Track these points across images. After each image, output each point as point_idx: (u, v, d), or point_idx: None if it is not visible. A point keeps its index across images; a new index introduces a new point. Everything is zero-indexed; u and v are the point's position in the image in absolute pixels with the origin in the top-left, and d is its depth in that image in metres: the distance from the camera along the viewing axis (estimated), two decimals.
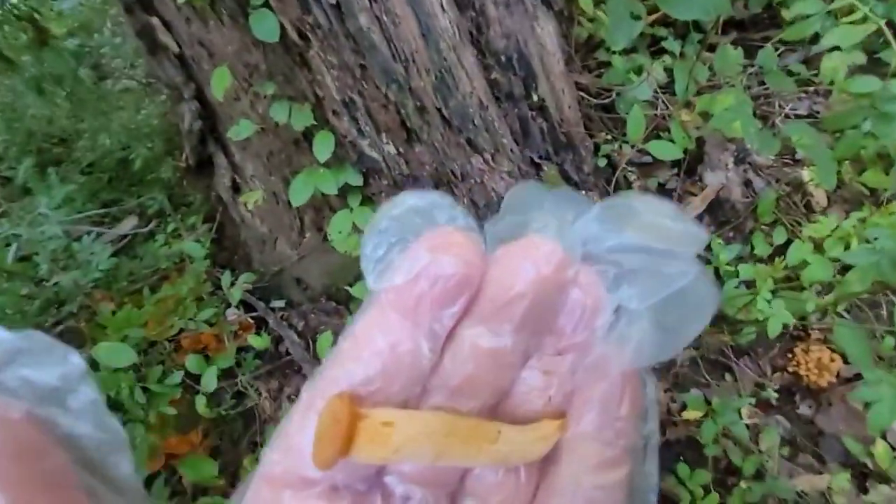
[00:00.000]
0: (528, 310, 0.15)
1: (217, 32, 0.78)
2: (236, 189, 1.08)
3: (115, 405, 0.95)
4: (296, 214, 1.10)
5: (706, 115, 0.94)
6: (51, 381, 0.20)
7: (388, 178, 0.80)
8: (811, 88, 1.09)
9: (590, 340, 0.16)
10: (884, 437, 0.82)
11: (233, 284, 1.11)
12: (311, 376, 0.16)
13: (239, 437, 1.10)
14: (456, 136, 0.75)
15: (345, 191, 0.90)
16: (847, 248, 0.75)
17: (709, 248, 0.99)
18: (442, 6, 0.66)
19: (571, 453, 0.16)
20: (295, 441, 0.15)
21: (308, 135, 0.85)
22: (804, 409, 0.88)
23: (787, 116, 1.17)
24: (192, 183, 1.11)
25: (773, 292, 0.69)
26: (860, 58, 0.72)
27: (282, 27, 0.65)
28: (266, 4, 0.63)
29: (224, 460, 1.03)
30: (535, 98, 0.84)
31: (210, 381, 0.95)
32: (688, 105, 0.99)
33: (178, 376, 0.96)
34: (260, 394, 1.18)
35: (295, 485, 0.15)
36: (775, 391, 0.87)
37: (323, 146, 0.75)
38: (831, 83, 0.68)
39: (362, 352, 0.15)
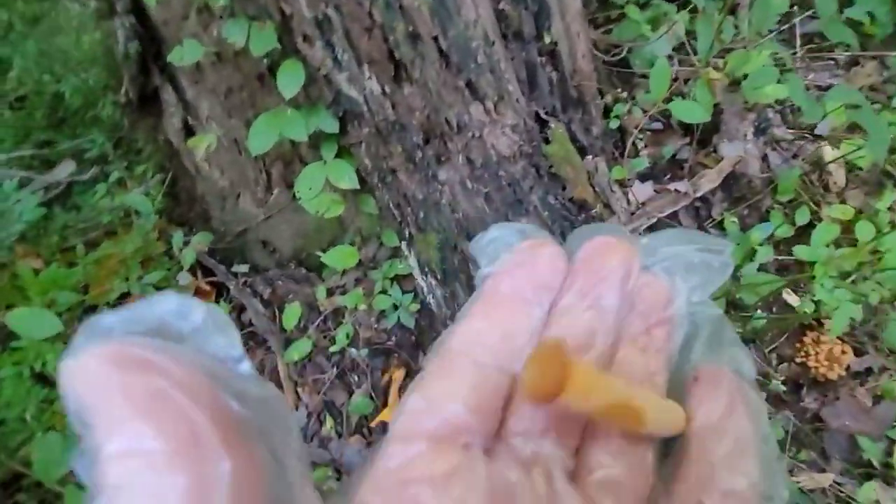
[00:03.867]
0: (623, 280, 0.18)
1: None
2: (190, 132, 0.92)
3: (41, 379, 0.81)
4: (261, 167, 0.95)
5: (733, 80, 0.83)
6: None
7: (371, 125, 0.67)
8: (838, 56, 1.00)
9: (668, 329, 0.18)
10: None
11: (185, 245, 0.97)
12: (430, 348, 0.18)
13: None
14: (454, 75, 0.62)
15: (317, 139, 0.76)
16: (879, 232, 0.67)
17: (721, 225, 0.91)
18: None
19: (700, 445, 0.17)
20: (436, 393, 0.16)
21: (274, 68, 0.70)
22: (809, 402, 0.83)
23: (806, 88, 1.08)
24: (136, 123, 0.94)
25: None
26: None
27: None
28: None
29: None
30: (546, 40, 0.71)
31: None
32: (708, 65, 0.88)
33: None
34: None
35: (433, 437, 0.16)
36: (781, 382, 0.81)
37: (290, 78, 0.61)
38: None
39: (483, 321, 0.17)
